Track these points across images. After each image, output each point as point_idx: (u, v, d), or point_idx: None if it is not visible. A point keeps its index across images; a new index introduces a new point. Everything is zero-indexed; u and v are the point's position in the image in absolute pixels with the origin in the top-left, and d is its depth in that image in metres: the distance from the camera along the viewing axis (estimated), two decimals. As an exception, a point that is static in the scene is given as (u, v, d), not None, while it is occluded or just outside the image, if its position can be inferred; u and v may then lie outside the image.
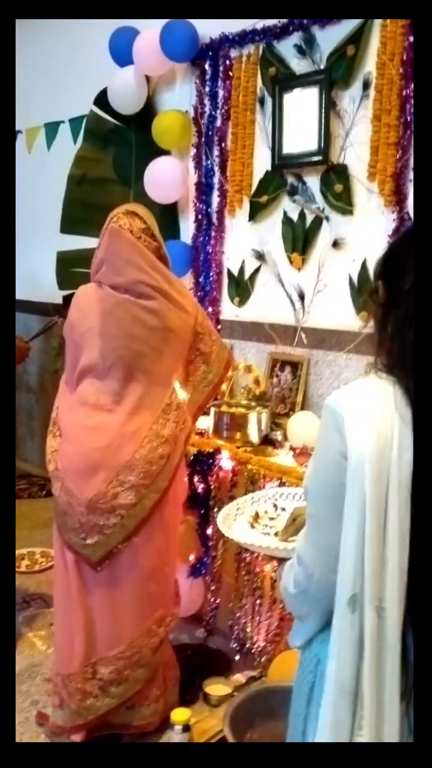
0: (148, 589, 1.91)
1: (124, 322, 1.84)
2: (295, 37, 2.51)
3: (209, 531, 2.40)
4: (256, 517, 1.37)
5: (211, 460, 2.36)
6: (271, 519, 1.36)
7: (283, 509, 1.40)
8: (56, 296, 3.31)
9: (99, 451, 1.82)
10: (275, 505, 1.42)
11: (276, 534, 1.27)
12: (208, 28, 2.76)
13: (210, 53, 2.81)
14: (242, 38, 2.68)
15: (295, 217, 2.59)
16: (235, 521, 1.36)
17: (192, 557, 2.41)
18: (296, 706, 1.10)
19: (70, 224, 3.14)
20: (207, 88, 2.86)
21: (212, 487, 2.37)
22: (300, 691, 1.09)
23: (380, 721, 0.95)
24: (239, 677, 2.23)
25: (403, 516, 0.92)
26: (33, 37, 3.79)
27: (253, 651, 2.26)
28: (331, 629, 0.97)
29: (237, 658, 2.32)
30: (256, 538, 1.27)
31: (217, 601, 2.43)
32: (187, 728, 1.84)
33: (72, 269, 3.18)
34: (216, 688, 2.17)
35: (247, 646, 2.28)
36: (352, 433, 0.93)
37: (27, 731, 2.03)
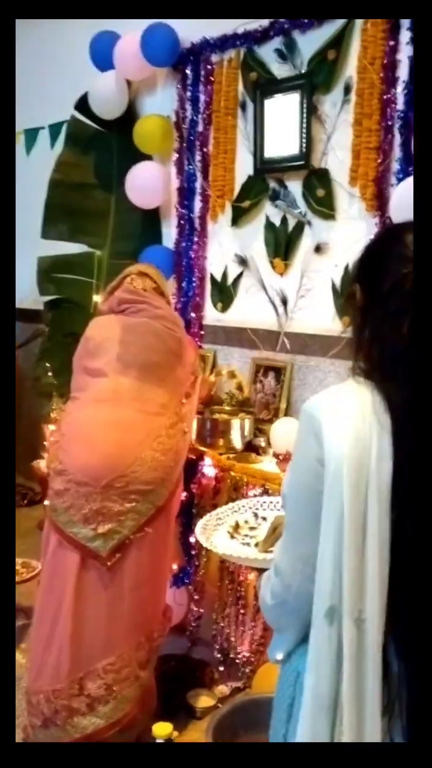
0: (143, 595, 1.89)
1: (145, 336, 2.01)
2: (276, 42, 2.50)
3: (192, 539, 2.37)
4: (236, 527, 1.34)
5: (193, 468, 2.33)
6: (252, 529, 1.33)
7: (264, 519, 1.37)
8: (37, 302, 3.28)
9: (116, 445, 1.85)
10: (256, 515, 1.39)
11: (256, 545, 1.24)
12: (189, 33, 2.75)
13: (191, 58, 2.79)
14: (223, 43, 2.66)
15: (277, 222, 2.58)
16: (215, 531, 1.33)
17: (175, 566, 2.37)
18: (276, 722, 1.07)
19: (51, 229, 3.11)
20: (188, 93, 2.84)
21: (195, 494, 2.34)
22: (280, 707, 1.05)
23: (361, 737, 0.92)
24: (223, 688, 2.20)
25: (382, 524, 0.89)
26: (13, 41, 3.75)
27: (237, 661, 2.23)
28: (309, 642, 0.94)
29: (221, 668, 2.28)
30: (235, 549, 1.24)
31: (201, 611, 2.39)
32: (169, 742, 1.80)
33: (53, 275, 3.15)
34: (200, 699, 2.14)
35: (231, 656, 2.24)
36: (330, 438, 0.90)
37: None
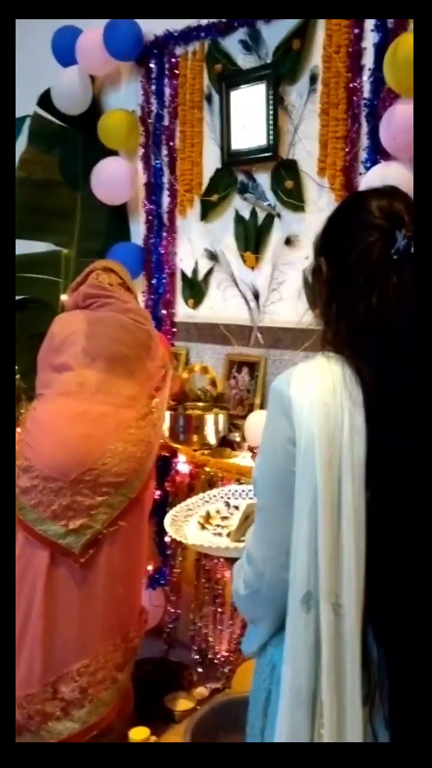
0: (118, 594, 1.83)
1: (111, 329, 1.96)
2: (241, 33, 2.47)
3: (168, 539, 2.31)
4: (208, 517, 1.29)
5: (167, 465, 2.28)
6: (224, 518, 1.29)
7: (236, 508, 1.33)
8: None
9: (83, 438, 1.80)
10: (227, 504, 1.35)
11: (229, 534, 1.19)
12: (153, 26, 2.71)
13: (155, 51, 2.75)
14: (187, 35, 2.63)
15: (246, 215, 2.55)
16: (185, 522, 1.28)
17: (150, 567, 2.32)
18: (252, 717, 1.02)
19: (16, 228, 3.03)
20: (153, 87, 2.80)
21: (169, 492, 2.29)
22: (256, 702, 1.01)
23: (341, 728, 0.88)
24: (202, 690, 2.15)
25: (357, 503, 0.86)
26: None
27: (215, 662, 2.18)
28: (286, 632, 0.89)
29: (200, 670, 2.23)
30: (206, 539, 1.19)
31: (178, 612, 2.34)
32: (146, 747, 1.75)
33: (19, 274, 3.07)
34: (178, 702, 2.09)
35: (210, 656, 2.19)
36: (301, 415, 0.87)
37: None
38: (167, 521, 1.26)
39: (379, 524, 0.87)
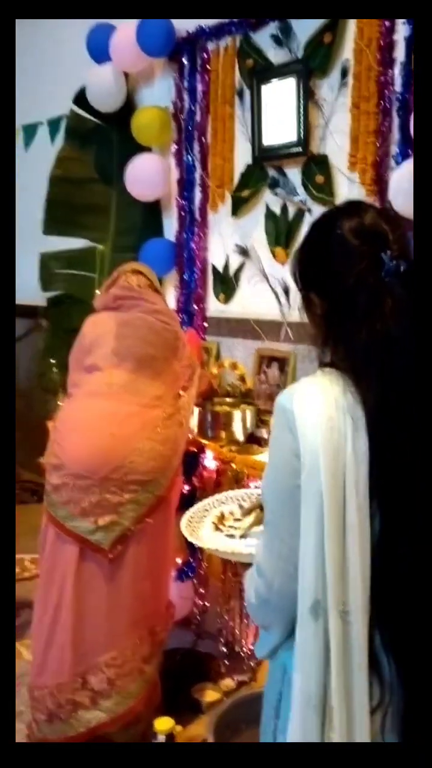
0: (145, 589, 1.88)
1: (139, 330, 1.99)
2: (272, 27, 2.45)
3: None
4: (222, 518, 1.32)
5: (195, 461, 2.31)
6: (237, 520, 1.31)
7: (250, 511, 1.35)
8: (40, 298, 3.27)
9: (111, 437, 1.84)
10: (241, 506, 1.37)
11: (241, 536, 1.22)
12: (185, 22, 2.71)
13: (187, 47, 2.76)
14: (219, 31, 2.63)
15: (277, 210, 2.54)
16: (201, 523, 1.31)
17: (179, 560, 2.36)
18: (266, 718, 1.05)
19: (52, 225, 3.10)
20: (185, 83, 2.81)
21: (197, 487, 2.32)
22: (268, 704, 1.04)
23: (351, 731, 0.90)
24: (229, 682, 2.18)
25: (362, 515, 0.87)
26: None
27: (242, 655, 2.21)
28: (296, 640, 0.91)
29: (227, 662, 2.27)
30: (219, 543, 1.22)
31: (206, 605, 2.38)
32: (171, 738, 1.79)
33: (56, 270, 3.14)
34: (206, 693, 2.12)
35: (237, 649, 2.23)
36: (305, 429, 0.88)
37: (11, 743, 1.98)
38: (183, 523, 1.30)
39: (384, 534, 0.88)
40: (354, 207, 0.99)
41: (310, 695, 0.90)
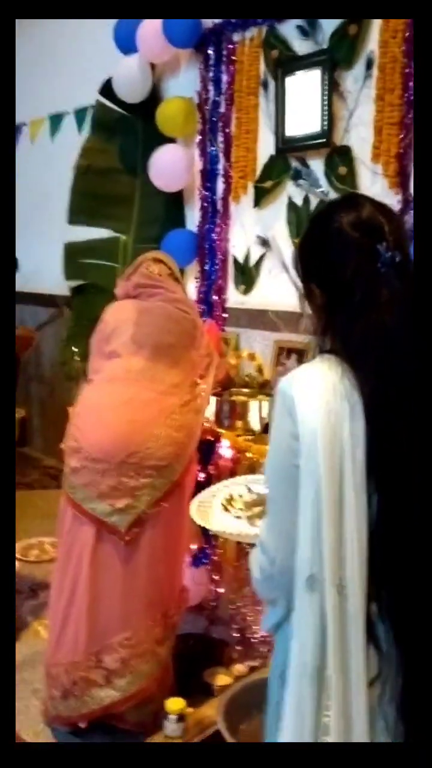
0: (159, 572, 1.92)
1: (158, 318, 2.03)
2: (298, 18, 2.46)
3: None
4: (231, 499, 1.35)
5: (211, 449, 2.33)
6: (246, 504, 1.34)
7: (259, 494, 1.38)
8: (63, 287, 3.32)
9: (129, 423, 1.88)
10: (249, 489, 1.40)
11: (248, 518, 1.25)
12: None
13: (213, 38, 2.77)
14: (245, 21, 2.63)
15: (299, 201, 2.55)
16: (210, 507, 1.34)
17: (194, 546, 2.39)
18: (271, 690, 1.09)
19: (77, 215, 3.14)
20: (210, 74, 2.82)
21: (212, 476, 2.34)
22: (274, 675, 1.08)
23: (347, 701, 0.93)
24: (241, 667, 2.20)
25: (359, 494, 0.91)
26: (35, 28, 3.78)
27: (253, 641, 2.23)
28: (294, 611, 0.95)
29: (239, 647, 2.29)
30: (229, 525, 1.25)
31: (220, 590, 2.41)
32: (181, 718, 1.82)
33: (80, 260, 3.18)
34: (217, 677, 2.15)
35: (248, 635, 2.25)
36: (304, 413, 0.93)
37: (26, 719, 2.04)
38: (193, 508, 1.33)
39: (381, 512, 0.91)
40: (351, 200, 1.04)
41: (306, 664, 0.94)
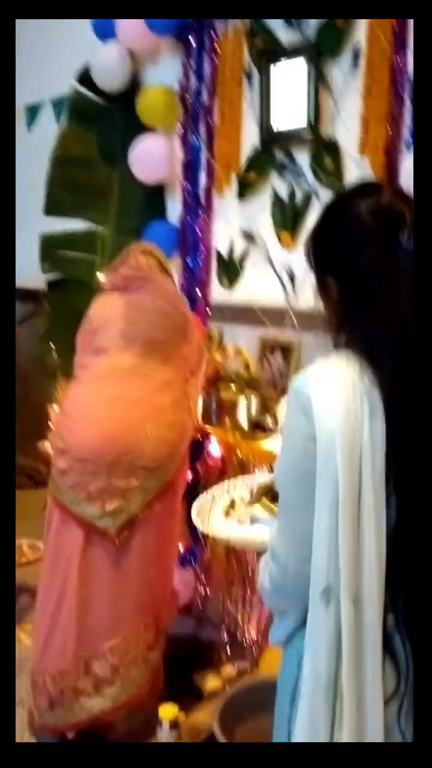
0: (151, 575, 1.87)
1: (148, 313, 1.97)
2: (283, 8, 2.41)
3: (198, 519, 2.33)
4: (232, 504, 1.31)
5: (199, 447, 2.29)
6: (249, 504, 1.30)
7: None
8: (39, 280, 3.22)
9: (119, 422, 1.82)
10: (251, 492, 1.36)
11: (251, 520, 1.21)
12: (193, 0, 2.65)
13: (196, 26, 2.70)
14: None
15: (284, 194, 2.51)
16: (211, 512, 1.30)
17: (181, 547, 2.35)
18: (280, 705, 1.04)
19: (54, 206, 3.04)
20: (193, 63, 2.75)
21: (200, 475, 2.30)
22: (284, 690, 1.02)
23: (362, 718, 0.89)
24: (231, 669, 2.18)
25: (378, 499, 0.86)
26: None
27: (243, 642, 2.20)
28: (307, 623, 0.91)
29: (229, 649, 2.26)
30: (231, 530, 1.20)
31: (208, 591, 2.37)
32: (175, 725, 1.78)
33: (56, 252, 3.09)
34: (207, 680, 2.12)
35: (238, 637, 2.22)
36: (320, 413, 0.87)
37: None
38: (194, 512, 1.28)
39: (401, 519, 0.87)
40: (369, 187, 0.99)
41: (319, 677, 0.90)
